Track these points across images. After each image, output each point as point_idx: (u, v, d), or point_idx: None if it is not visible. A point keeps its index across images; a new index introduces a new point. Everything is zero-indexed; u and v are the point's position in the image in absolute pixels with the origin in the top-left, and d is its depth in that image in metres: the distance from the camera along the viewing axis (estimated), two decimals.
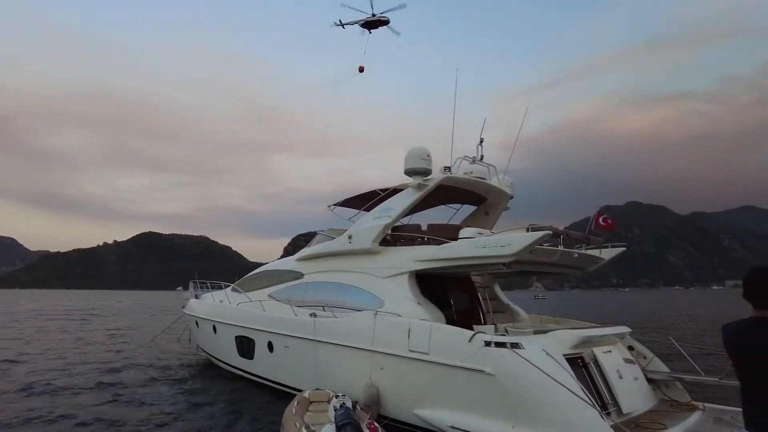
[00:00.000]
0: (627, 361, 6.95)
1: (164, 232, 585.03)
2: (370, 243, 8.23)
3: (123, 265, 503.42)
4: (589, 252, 7.90)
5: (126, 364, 13.49)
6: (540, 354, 5.65)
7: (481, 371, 5.80)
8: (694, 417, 6.25)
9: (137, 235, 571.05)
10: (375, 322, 7.29)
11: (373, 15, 23.61)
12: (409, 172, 7.91)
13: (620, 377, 6.43)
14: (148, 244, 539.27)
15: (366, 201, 9.10)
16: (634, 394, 6.48)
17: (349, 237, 8.66)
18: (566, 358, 6.01)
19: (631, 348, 7.54)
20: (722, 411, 6.39)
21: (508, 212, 9.82)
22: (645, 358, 7.46)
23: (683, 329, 24.65)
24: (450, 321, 7.65)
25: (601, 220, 7.87)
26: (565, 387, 5.20)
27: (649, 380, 7.10)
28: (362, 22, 23.82)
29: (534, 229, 6.49)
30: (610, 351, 6.81)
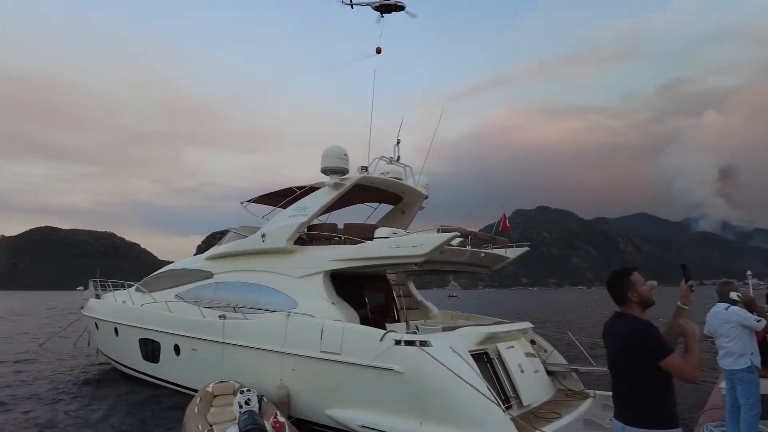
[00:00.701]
0: (528, 355, 7.39)
1: (64, 227, 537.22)
2: (285, 242, 8.08)
3: (11, 263, 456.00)
4: (496, 251, 8.31)
5: (11, 377, 12.10)
6: (447, 351, 5.84)
7: (391, 369, 5.91)
8: (586, 404, 6.78)
9: (31, 230, 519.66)
10: (287, 324, 7.20)
11: None
12: (326, 171, 7.88)
13: (522, 371, 6.82)
14: (44, 239, 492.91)
15: (281, 198, 8.93)
16: (533, 387, 6.90)
17: (263, 236, 8.45)
18: (472, 354, 6.27)
19: (533, 342, 8.03)
20: (609, 397, 6.94)
21: (424, 211, 10.08)
22: (545, 351, 7.96)
23: (581, 324, 26.69)
24: (365, 319, 7.72)
25: (502, 222, 8.49)
26: (469, 384, 5.41)
27: (549, 372, 7.60)
28: (376, 4, 24.05)
29: (444, 231, 6.75)
30: (513, 346, 7.20)
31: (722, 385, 5.98)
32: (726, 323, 5.35)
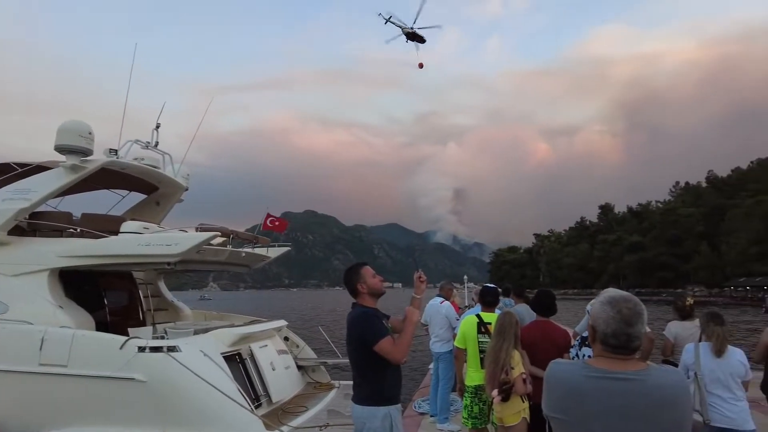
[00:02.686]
0: (281, 351, 7.62)
1: None
2: None
3: None
4: (257, 251, 8.30)
5: None
6: (196, 356, 5.60)
7: (132, 379, 5.36)
8: (331, 395, 7.32)
9: None
10: None
11: (412, 28, 32.34)
12: (63, 150, 6.58)
13: (273, 369, 6.98)
14: None
15: None
16: (284, 383, 7.13)
17: None
18: (225, 356, 6.14)
19: (286, 339, 8.31)
20: (350, 386, 7.69)
21: (184, 206, 9.40)
22: (297, 346, 8.34)
23: (332, 321, 28.86)
24: (102, 324, 6.82)
25: (269, 221, 8.41)
26: (216, 388, 5.30)
27: (300, 367, 7.97)
28: (407, 30, 32.51)
29: (203, 229, 6.48)
30: (266, 345, 7.31)
31: (431, 366, 7.33)
32: (438, 314, 6.58)
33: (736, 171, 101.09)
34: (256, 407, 6.10)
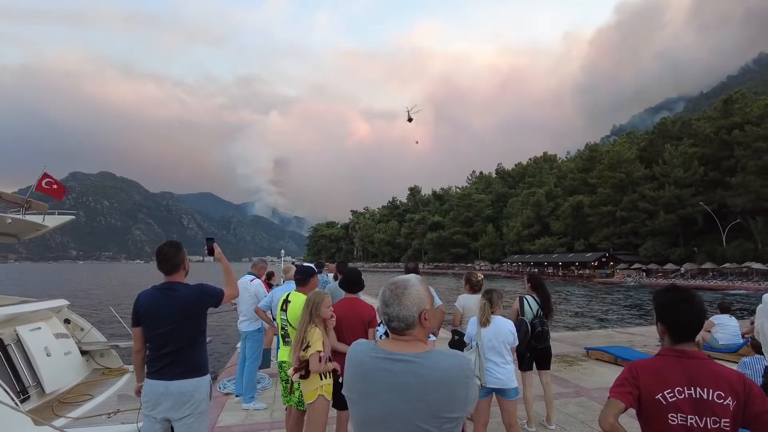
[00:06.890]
0: (59, 335, 6.56)
1: None
2: None
3: None
4: (29, 218, 6.93)
5: None
6: None
7: None
8: (123, 380, 6.51)
9: None
10: None
11: (409, 113, 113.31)
12: None
13: (48, 355, 5.98)
14: None
15: None
16: (62, 371, 6.18)
17: None
18: None
19: (67, 321, 7.20)
20: None
21: None
22: (82, 329, 7.29)
23: (129, 299, 26.23)
24: None
25: (44, 183, 7.03)
26: None
27: (84, 352, 6.97)
28: (409, 117, 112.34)
29: None
30: (39, 328, 6.21)
31: (238, 345, 7.08)
32: (247, 291, 6.30)
33: (519, 165, 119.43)
34: (23, 401, 5.17)
